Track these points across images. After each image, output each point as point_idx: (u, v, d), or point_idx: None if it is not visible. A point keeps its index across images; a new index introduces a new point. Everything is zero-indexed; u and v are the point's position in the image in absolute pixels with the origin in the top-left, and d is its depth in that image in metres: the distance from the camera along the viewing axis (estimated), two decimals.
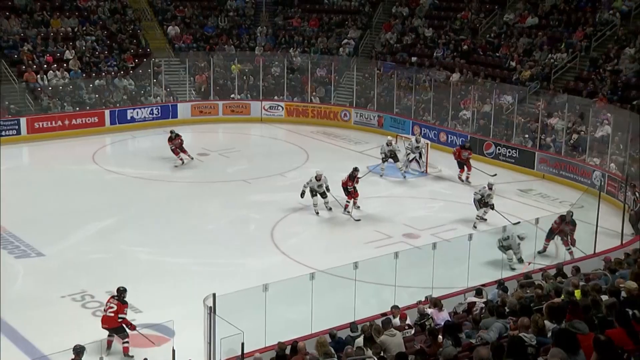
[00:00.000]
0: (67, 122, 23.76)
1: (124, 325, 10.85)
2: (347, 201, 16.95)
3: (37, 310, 12.12)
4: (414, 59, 26.82)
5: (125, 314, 10.90)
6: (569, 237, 14.21)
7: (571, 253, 14.02)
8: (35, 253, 14.52)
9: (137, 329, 10.83)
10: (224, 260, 14.60)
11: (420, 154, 20.60)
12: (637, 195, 16.23)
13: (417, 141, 20.59)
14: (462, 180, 19.64)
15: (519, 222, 15.51)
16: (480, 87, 23.84)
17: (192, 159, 20.88)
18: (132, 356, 10.77)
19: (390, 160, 20.05)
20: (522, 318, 7.50)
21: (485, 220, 16.39)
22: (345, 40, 28.86)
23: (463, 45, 26.25)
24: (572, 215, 14.32)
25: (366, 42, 28.88)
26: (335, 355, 8.63)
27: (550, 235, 14.40)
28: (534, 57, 24.24)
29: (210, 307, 9.63)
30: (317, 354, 8.78)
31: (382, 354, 8.39)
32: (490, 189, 16.42)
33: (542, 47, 24.29)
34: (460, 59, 25.75)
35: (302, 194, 16.80)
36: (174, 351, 8.99)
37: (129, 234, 15.78)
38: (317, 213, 16.90)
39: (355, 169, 17.25)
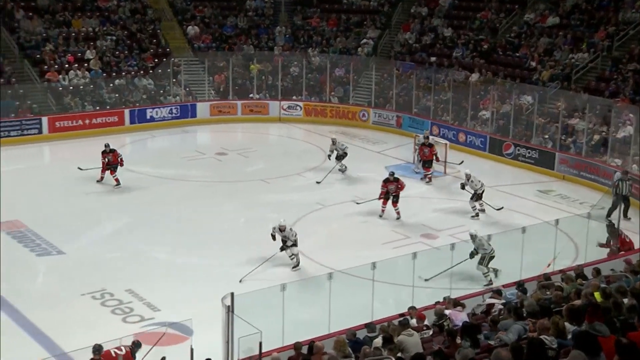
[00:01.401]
0: (87, 121, 23.98)
1: None
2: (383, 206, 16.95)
3: (57, 308, 12.25)
4: (433, 58, 26.72)
5: None
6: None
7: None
8: (56, 251, 14.66)
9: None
10: (241, 260, 14.61)
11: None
12: None
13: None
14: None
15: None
16: (499, 87, 23.69)
17: (119, 185, 18.51)
18: None
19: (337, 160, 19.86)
20: (542, 320, 7.42)
21: (484, 210, 16.87)
22: (364, 40, 28.82)
23: (482, 45, 26.10)
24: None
25: (385, 42, 28.81)
26: (353, 356, 8.61)
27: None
28: (554, 57, 24.04)
29: (229, 306, 9.65)
30: (335, 353, 8.77)
31: (399, 355, 8.36)
32: (469, 179, 16.89)
33: (562, 47, 24.08)
34: (480, 59, 25.60)
35: (273, 238, 14.33)
36: (192, 350, 9.03)
37: (148, 233, 15.88)
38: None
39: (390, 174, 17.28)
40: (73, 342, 10.12)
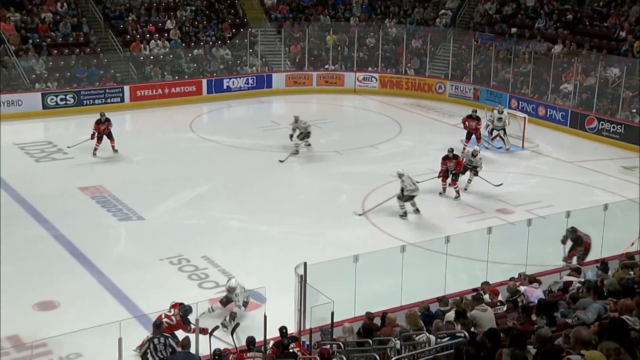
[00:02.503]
0: (166, 90, 24.53)
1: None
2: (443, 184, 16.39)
3: (137, 271, 12.68)
4: (513, 30, 25.86)
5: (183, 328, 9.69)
6: None
7: None
8: (136, 217, 15.15)
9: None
10: (315, 230, 14.73)
11: (504, 129, 19.78)
12: None
13: (500, 112, 19.78)
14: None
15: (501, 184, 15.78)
16: (584, 59, 22.74)
17: (117, 151, 18.69)
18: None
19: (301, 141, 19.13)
20: (624, 300, 7.16)
21: (418, 211, 15.36)
22: (443, 11, 28.18)
23: (567, 15, 25.06)
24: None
25: (464, 13, 28.08)
26: (425, 329, 8.57)
27: None
28: None
29: (301, 276, 9.75)
30: (407, 326, 8.75)
31: (472, 329, 8.26)
32: (474, 156, 16.23)
33: None
34: (564, 30, 24.61)
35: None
36: (265, 317, 9.18)
37: (223, 202, 16.18)
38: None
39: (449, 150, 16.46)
40: (153, 305, 10.44)
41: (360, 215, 15.26)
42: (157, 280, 12.39)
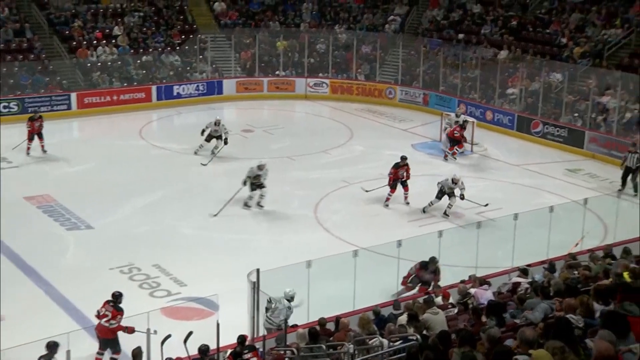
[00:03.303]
0: (115, 97, 24.15)
1: (120, 334, 9.93)
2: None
3: (87, 281, 12.44)
4: (461, 35, 26.36)
5: (118, 320, 9.93)
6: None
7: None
8: (84, 225, 14.87)
9: (135, 330, 9.75)
10: (267, 237, 14.72)
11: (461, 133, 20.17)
12: None
13: (457, 115, 20.24)
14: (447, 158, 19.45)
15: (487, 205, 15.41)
16: (528, 64, 23.32)
17: (46, 152, 18.92)
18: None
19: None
20: (569, 299, 7.36)
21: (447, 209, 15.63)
22: (392, 17, 28.51)
23: (512, 21, 25.66)
24: (436, 263, 11.83)
25: (412, 19, 28.48)
26: (378, 332, 8.64)
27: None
28: (586, 33, 23.56)
29: (254, 282, 9.73)
30: (359, 330, 8.81)
31: (424, 332, 8.37)
32: (455, 183, 15.43)
33: (595, 23, 23.58)
34: (509, 36, 25.19)
35: (244, 183, 15.79)
36: (218, 325, 9.11)
37: (174, 209, 16.01)
38: (248, 206, 15.89)
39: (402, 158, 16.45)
40: None
41: (367, 191, 16.02)
42: (107, 290, 12.01)
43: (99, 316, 10.04)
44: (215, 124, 19.14)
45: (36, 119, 18.83)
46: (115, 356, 10.08)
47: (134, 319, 9.69)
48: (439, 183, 15.66)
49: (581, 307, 6.89)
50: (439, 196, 15.63)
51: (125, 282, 12.43)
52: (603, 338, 5.24)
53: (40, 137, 18.95)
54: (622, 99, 20.14)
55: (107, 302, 10.12)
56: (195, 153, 19.43)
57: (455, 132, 19.59)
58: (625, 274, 8.53)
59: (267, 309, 10.32)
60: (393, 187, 16.22)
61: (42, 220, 15.02)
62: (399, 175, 16.20)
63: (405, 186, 16.33)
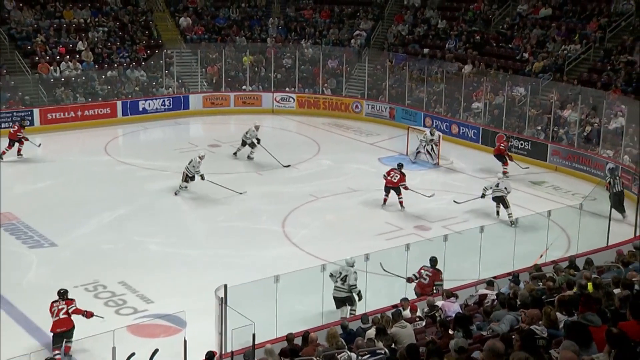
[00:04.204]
0: (79, 113, 23.86)
1: (78, 318, 10.63)
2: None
3: (50, 300, 12.16)
4: (426, 50, 26.71)
5: (75, 305, 10.68)
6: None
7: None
8: (48, 243, 14.62)
9: (94, 314, 10.75)
10: (235, 252, 14.64)
11: (432, 146, 20.55)
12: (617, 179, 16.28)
13: (432, 134, 20.56)
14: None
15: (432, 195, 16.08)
16: (492, 78, 23.72)
17: (22, 155, 20.03)
18: (71, 355, 10.57)
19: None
20: (533, 310, 7.47)
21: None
22: (357, 32, 28.77)
23: (475, 36, 26.10)
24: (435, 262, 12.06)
25: (378, 34, 28.78)
26: (346, 347, 8.64)
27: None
28: (547, 48, 24.08)
29: (222, 298, 9.66)
30: (328, 345, 8.80)
31: (393, 346, 8.39)
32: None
33: (555, 39, 24.11)
34: (473, 51, 25.61)
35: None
36: (185, 341, 9.03)
37: (140, 225, 15.85)
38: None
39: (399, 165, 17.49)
40: None
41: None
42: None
43: (53, 314, 10.56)
44: (255, 129, 20.33)
45: (24, 127, 20.07)
46: (69, 344, 10.51)
47: (99, 338, 9.54)
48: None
49: (545, 318, 7.00)
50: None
51: (90, 300, 12.23)
52: (567, 348, 5.33)
53: (23, 142, 19.84)
54: (582, 112, 20.58)
55: (54, 301, 10.71)
56: (235, 154, 20.82)
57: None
58: (589, 285, 8.70)
59: (334, 279, 11.36)
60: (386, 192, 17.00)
61: (4, 238, 14.70)
62: (390, 180, 16.88)
63: (399, 193, 16.81)
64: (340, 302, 11.42)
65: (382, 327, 8.95)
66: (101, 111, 24.24)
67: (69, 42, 25.81)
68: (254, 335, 9.00)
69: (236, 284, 9.71)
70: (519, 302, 8.60)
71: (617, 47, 22.58)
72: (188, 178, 17.63)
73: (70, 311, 10.51)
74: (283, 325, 9.99)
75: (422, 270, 12.01)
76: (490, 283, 11.20)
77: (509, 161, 19.54)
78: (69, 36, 26.04)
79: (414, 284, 12.00)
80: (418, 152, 20.63)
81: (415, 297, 11.57)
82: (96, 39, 26.31)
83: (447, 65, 24.90)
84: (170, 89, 26.08)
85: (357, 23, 29.19)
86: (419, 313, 10.46)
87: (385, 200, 17.00)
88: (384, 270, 11.98)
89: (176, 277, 13.16)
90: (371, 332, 8.99)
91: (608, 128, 19.88)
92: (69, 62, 24.85)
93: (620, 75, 21.55)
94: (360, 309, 10.91)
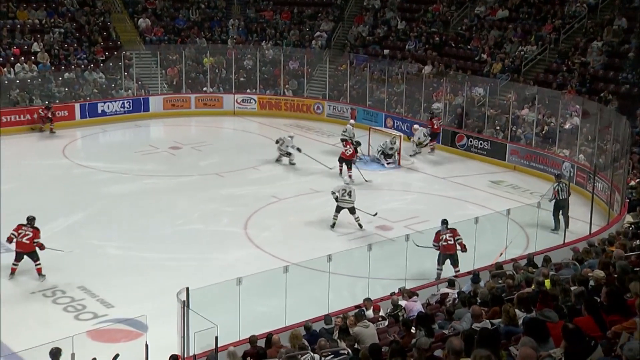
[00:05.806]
0: (36, 115, 23.39)
1: (37, 249, 12.65)
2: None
3: (7, 307, 11.90)
4: (386, 51, 26.89)
5: (40, 238, 12.68)
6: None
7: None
8: (4, 249, 14.26)
9: (45, 247, 12.71)
10: (197, 255, 14.53)
11: (392, 155, 20.62)
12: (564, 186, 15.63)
13: (392, 143, 20.63)
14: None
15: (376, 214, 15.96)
16: (452, 79, 24.00)
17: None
18: (44, 275, 12.64)
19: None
20: (494, 307, 7.59)
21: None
22: (318, 33, 28.83)
23: (435, 37, 26.38)
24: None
25: (338, 35, 28.88)
26: (310, 348, 8.65)
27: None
28: (504, 49, 24.47)
29: (184, 301, 9.58)
30: (291, 346, 8.80)
31: (355, 346, 8.44)
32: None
33: (512, 40, 24.52)
34: (432, 52, 25.88)
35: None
36: (147, 346, 8.93)
37: (100, 229, 15.61)
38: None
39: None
40: (24, 342, 9.92)
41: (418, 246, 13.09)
42: (29, 315, 11.74)
43: (18, 235, 12.50)
44: (290, 139, 20.52)
45: (51, 107, 22.55)
46: (38, 266, 12.68)
47: (58, 343, 9.35)
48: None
49: (504, 315, 7.12)
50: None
51: (48, 306, 12.04)
52: (525, 344, 5.43)
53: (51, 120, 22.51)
54: (538, 112, 20.97)
55: (22, 225, 12.61)
56: (276, 160, 20.71)
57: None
58: (547, 282, 8.87)
59: (335, 195, 15.22)
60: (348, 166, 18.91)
61: None
62: (344, 152, 19.05)
63: (349, 167, 18.74)
64: (349, 210, 15.25)
65: (344, 327, 8.99)
66: (59, 114, 23.75)
67: (23, 43, 25.29)
68: (216, 338, 8.96)
69: (198, 287, 9.64)
70: (479, 300, 8.73)
71: (571, 49, 23.08)
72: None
73: (34, 241, 12.58)
74: (246, 327, 9.95)
75: (441, 235, 12.90)
76: (451, 282, 11.35)
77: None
78: (24, 37, 25.52)
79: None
80: (381, 155, 20.66)
81: (441, 263, 12.99)
82: (52, 40, 25.83)
83: (407, 66, 25.12)
84: (129, 90, 25.76)
85: (318, 24, 29.25)
86: (381, 313, 10.53)
87: (340, 170, 19.00)
88: (417, 245, 12.64)
89: (137, 281, 13.00)
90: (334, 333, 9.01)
91: (564, 128, 20.30)
92: (24, 64, 24.36)
93: (575, 76, 22.03)
94: (324, 309, 10.93)
